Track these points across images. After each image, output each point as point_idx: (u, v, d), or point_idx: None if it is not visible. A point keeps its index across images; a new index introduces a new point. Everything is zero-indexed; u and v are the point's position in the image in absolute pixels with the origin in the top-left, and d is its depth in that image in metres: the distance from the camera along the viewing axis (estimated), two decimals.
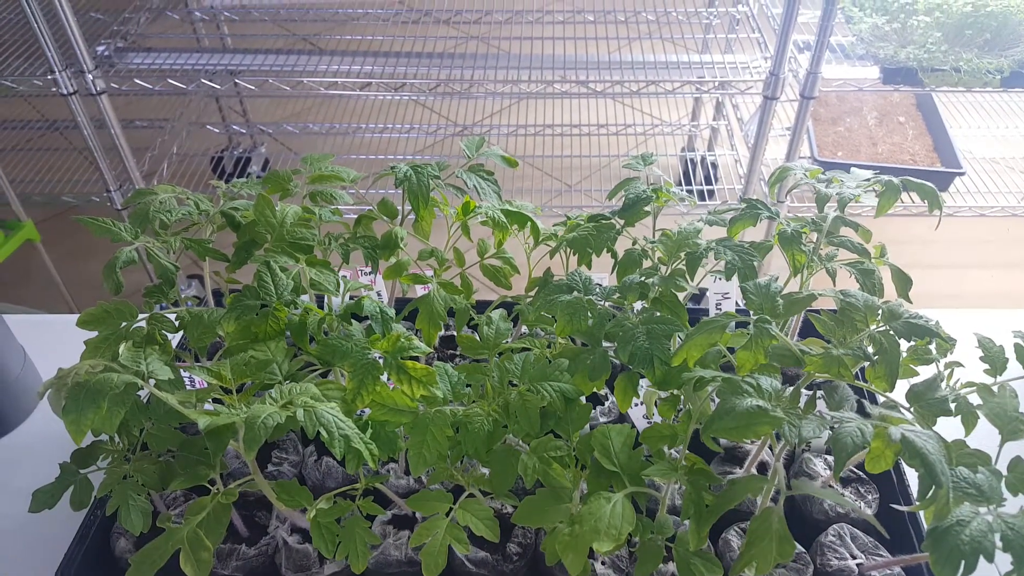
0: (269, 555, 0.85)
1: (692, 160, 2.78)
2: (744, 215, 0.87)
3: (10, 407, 1.10)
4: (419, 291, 1.03)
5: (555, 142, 2.64)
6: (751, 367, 0.73)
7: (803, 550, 0.84)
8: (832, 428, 0.65)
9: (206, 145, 2.73)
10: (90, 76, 1.97)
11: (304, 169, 0.98)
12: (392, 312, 0.81)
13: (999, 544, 0.63)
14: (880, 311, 0.74)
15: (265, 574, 0.85)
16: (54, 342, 1.07)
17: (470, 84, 1.97)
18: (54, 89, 1.97)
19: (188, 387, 0.74)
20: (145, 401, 0.80)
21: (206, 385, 0.74)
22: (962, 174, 2.29)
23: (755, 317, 0.73)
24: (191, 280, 2.37)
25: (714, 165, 2.75)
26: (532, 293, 0.95)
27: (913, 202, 2.36)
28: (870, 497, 0.91)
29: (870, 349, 0.73)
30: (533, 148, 2.63)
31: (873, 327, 0.74)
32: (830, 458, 0.95)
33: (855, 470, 0.93)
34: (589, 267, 0.93)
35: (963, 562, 0.61)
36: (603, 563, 0.83)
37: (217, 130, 2.59)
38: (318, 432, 0.66)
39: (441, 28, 2.23)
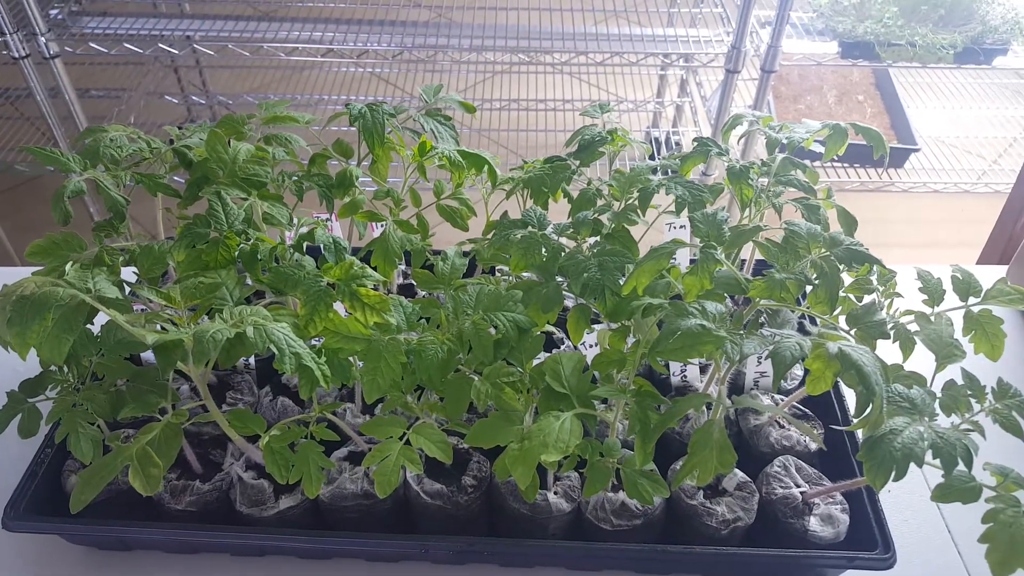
0: (224, 491, 0.85)
1: (656, 138, 2.81)
2: (695, 152, 0.89)
3: None
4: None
5: (518, 118, 2.65)
6: (697, 292, 0.75)
7: (749, 480, 0.87)
8: (772, 344, 0.67)
9: (164, 117, 2.68)
10: (43, 39, 1.92)
11: (259, 114, 0.97)
12: (346, 243, 0.81)
13: (929, 454, 0.66)
14: (822, 239, 0.77)
15: (219, 509, 0.85)
16: None
17: (433, 52, 1.97)
18: (5, 52, 1.91)
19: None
20: (96, 335, 0.79)
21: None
22: (917, 150, 2.36)
23: (702, 244, 0.75)
24: None
25: (678, 144, 2.78)
26: (489, 236, 0.95)
27: (870, 177, 2.43)
28: (815, 432, 0.93)
29: (813, 276, 0.76)
30: (498, 123, 2.63)
31: (815, 254, 0.76)
32: (778, 396, 0.98)
33: (799, 406, 0.95)
34: (545, 209, 0.94)
35: (895, 468, 0.64)
36: (555, 492, 0.84)
37: (176, 100, 2.55)
38: (271, 355, 0.66)
39: None
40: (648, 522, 0.84)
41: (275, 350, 0.65)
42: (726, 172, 0.88)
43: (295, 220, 0.85)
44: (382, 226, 0.94)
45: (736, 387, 1.00)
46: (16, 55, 1.92)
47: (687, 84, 2.86)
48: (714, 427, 0.69)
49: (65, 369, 0.82)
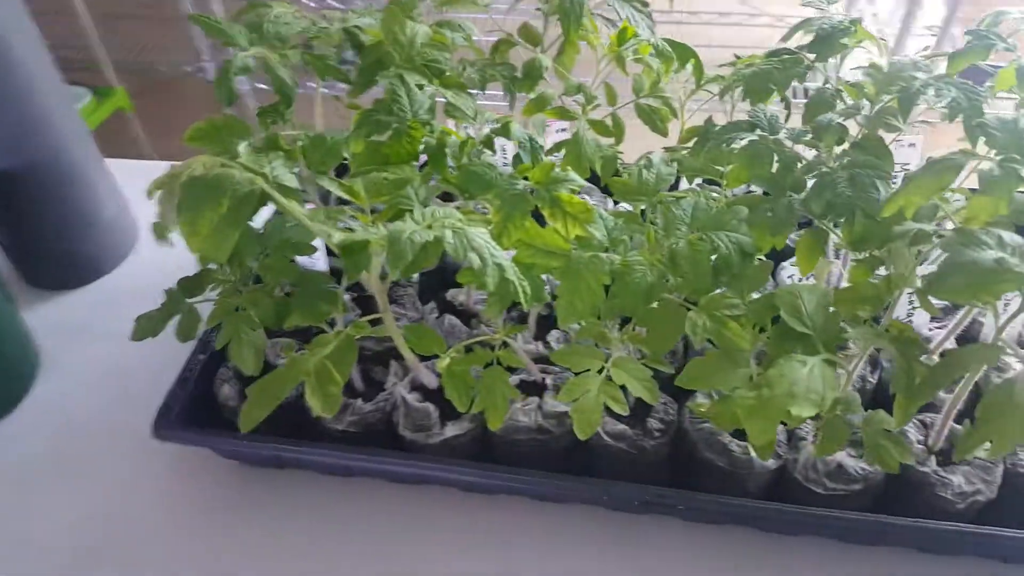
0: (386, 412, 0.78)
1: None
2: (972, 47, 0.70)
3: (105, 249, 1.05)
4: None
5: (680, 31, 2.41)
6: (987, 219, 0.59)
7: None
8: None
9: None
10: None
11: None
12: (543, 142, 0.69)
13: None
14: None
15: (381, 431, 0.78)
16: None
17: None
18: None
19: None
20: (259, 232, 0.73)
21: None
22: None
23: (1000, 156, 0.59)
24: None
25: None
26: (691, 143, 0.81)
27: None
28: None
29: None
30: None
31: None
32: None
33: None
34: None
35: None
36: None
37: (314, 4, 2.47)
38: (436, 266, 0.56)
39: None
40: (866, 488, 0.71)
41: (475, 260, 0.55)
42: (1016, 72, 0.69)
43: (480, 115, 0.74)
44: (565, 129, 0.82)
45: (970, 339, 0.84)
46: None
47: None
48: (1017, 388, 0.54)
49: (227, 269, 0.75)
